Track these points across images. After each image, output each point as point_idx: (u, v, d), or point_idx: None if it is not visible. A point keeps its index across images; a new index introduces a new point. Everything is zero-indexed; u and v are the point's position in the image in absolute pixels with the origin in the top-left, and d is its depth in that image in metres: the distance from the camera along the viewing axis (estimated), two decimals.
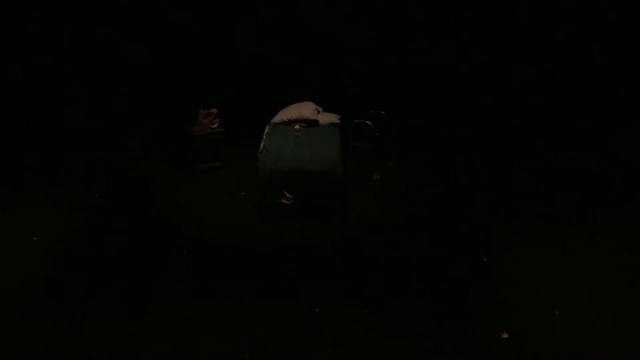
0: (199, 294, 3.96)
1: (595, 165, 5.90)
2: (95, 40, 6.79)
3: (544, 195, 5.42)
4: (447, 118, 6.97)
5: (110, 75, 6.90)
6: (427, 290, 4.01)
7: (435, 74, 7.00)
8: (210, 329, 3.60)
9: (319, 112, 5.87)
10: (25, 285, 4.06)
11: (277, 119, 5.74)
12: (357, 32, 6.91)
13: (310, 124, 5.65)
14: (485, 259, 4.37)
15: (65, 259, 4.43)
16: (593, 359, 3.32)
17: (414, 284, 4.09)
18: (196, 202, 5.38)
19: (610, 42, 6.40)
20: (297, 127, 5.51)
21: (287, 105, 5.92)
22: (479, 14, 6.69)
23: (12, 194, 5.48)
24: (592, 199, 5.32)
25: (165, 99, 6.91)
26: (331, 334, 3.54)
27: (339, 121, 5.81)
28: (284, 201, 5.05)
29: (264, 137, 5.49)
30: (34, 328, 3.61)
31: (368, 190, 5.58)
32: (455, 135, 6.75)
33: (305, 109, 5.75)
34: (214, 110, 6.11)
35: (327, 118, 5.78)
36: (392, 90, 6.97)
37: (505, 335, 3.51)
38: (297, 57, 7.01)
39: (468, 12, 6.71)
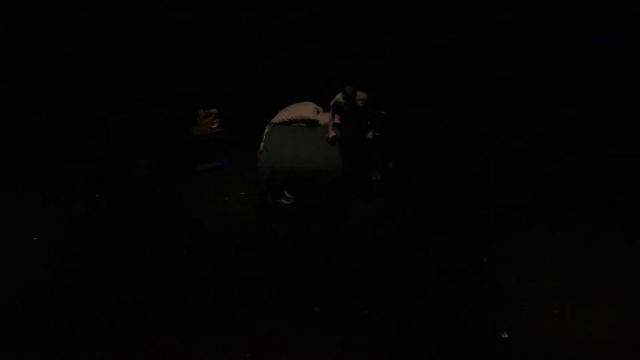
0: (198, 294, 3.95)
1: (595, 164, 5.89)
2: (95, 40, 6.79)
3: (544, 195, 5.41)
4: (447, 118, 6.96)
5: (110, 75, 6.90)
6: (427, 290, 4.01)
7: (436, 73, 7.01)
8: (210, 328, 3.60)
9: (319, 112, 5.87)
10: (25, 285, 4.06)
11: (277, 119, 5.74)
12: (357, 32, 6.92)
13: (310, 124, 5.65)
14: (485, 259, 4.37)
15: (65, 259, 4.43)
16: (593, 359, 3.32)
17: (414, 284, 4.09)
18: (196, 202, 5.38)
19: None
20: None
21: (287, 105, 5.92)
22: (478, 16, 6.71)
23: (12, 194, 5.48)
24: (593, 199, 5.32)
25: (166, 99, 6.91)
26: (331, 334, 3.54)
27: (339, 121, 5.81)
28: (284, 201, 5.05)
29: (264, 137, 5.49)
30: (34, 328, 3.61)
31: (368, 190, 5.57)
32: (455, 135, 6.75)
33: (305, 109, 5.75)
34: (214, 110, 6.11)
35: (327, 118, 5.77)
36: (392, 90, 6.96)
37: (505, 336, 3.51)
38: (297, 58, 7.01)
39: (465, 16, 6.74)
